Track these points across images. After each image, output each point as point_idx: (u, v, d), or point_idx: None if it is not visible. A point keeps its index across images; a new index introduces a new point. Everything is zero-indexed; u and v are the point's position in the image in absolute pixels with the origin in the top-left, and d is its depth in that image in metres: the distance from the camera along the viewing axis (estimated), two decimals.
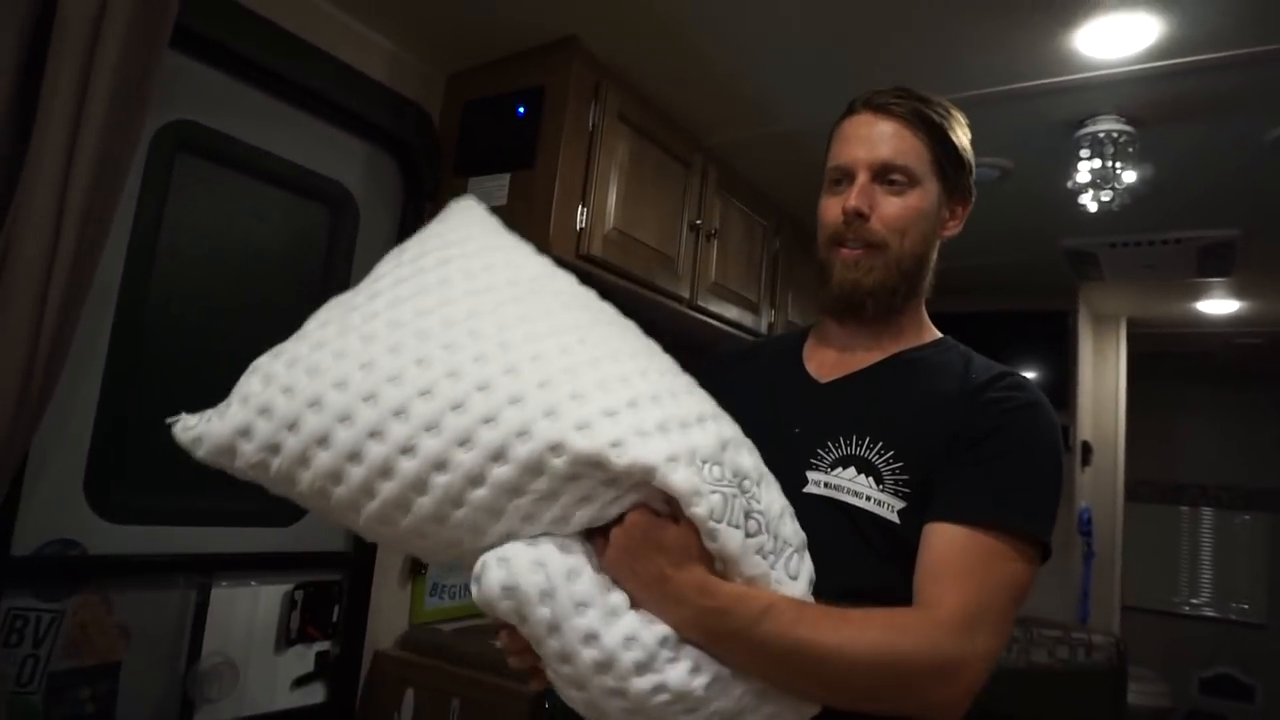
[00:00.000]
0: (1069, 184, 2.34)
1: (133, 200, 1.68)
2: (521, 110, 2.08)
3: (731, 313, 2.68)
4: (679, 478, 0.74)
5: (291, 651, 2.03)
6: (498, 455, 0.74)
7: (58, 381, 1.36)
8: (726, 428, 0.83)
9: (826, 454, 0.94)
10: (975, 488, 0.89)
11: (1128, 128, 2.21)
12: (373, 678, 2.18)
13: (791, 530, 0.84)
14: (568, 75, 2.03)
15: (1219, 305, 4.02)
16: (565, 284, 0.94)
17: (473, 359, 0.78)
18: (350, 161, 2.14)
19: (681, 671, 0.76)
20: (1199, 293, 3.86)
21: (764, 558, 0.79)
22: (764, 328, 2.86)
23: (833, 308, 1.03)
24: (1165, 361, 5.02)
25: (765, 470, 0.84)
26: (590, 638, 0.75)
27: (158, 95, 1.46)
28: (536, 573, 0.75)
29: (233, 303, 1.94)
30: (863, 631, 0.79)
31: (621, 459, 0.73)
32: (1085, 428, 4.02)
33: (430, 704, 2.06)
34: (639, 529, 0.77)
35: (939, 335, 1.08)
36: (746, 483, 0.79)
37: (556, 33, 2.04)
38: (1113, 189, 2.29)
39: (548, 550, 0.77)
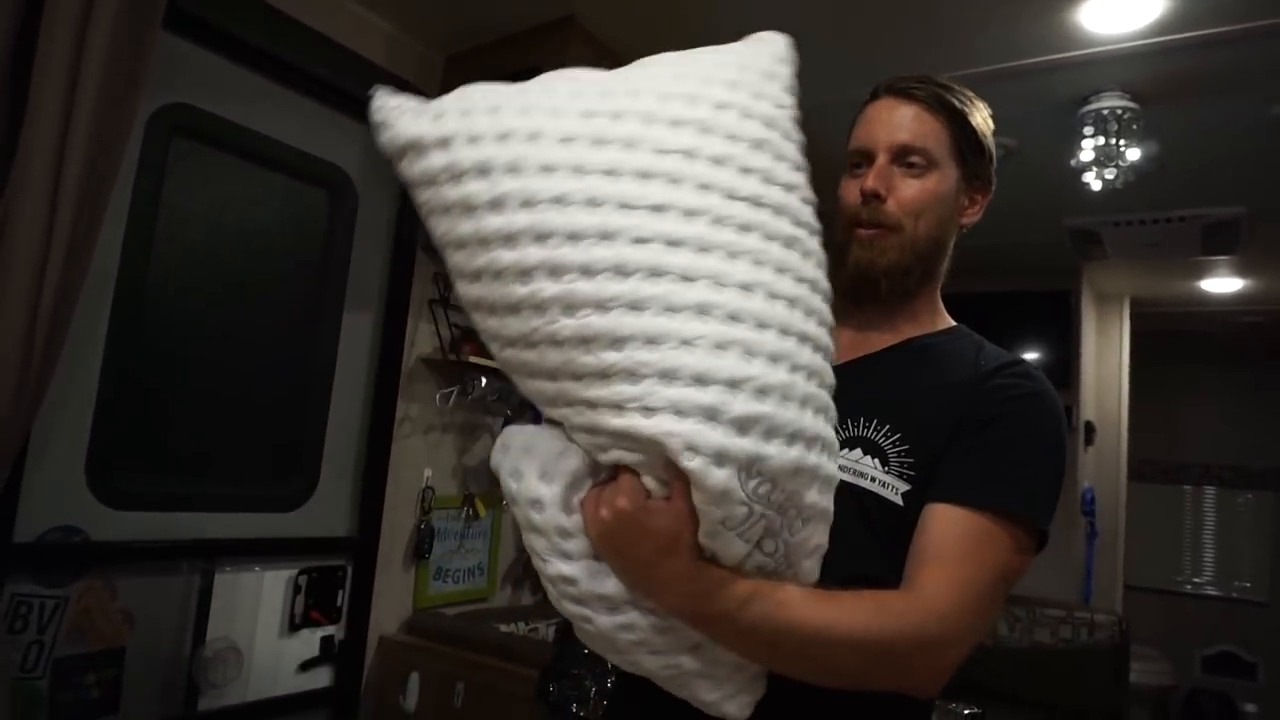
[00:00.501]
0: (1073, 162, 2.32)
1: (129, 184, 1.67)
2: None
3: None
4: (714, 480, 0.69)
5: (297, 636, 2.04)
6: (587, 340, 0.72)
7: (56, 366, 1.36)
8: (813, 456, 0.77)
9: (837, 435, 0.94)
10: (975, 470, 0.88)
11: (1132, 104, 2.19)
12: (378, 662, 2.19)
13: (809, 568, 0.82)
14: (566, 56, 2.01)
15: (1223, 284, 4.00)
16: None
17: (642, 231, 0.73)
18: (348, 145, 2.12)
19: (610, 622, 0.78)
20: (1203, 271, 3.85)
21: (761, 573, 0.78)
22: None
23: (848, 288, 1.02)
24: (1169, 341, 5.01)
25: (829, 508, 0.80)
26: (540, 559, 0.79)
27: (152, 78, 1.45)
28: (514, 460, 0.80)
29: (231, 286, 1.93)
30: (850, 614, 0.79)
31: (674, 445, 0.69)
32: (1088, 407, 4.01)
33: (435, 687, 2.07)
34: (628, 516, 0.74)
35: (953, 323, 1.07)
36: (791, 513, 0.76)
37: (554, 13, 2.02)
38: (1116, 167, 2.28)
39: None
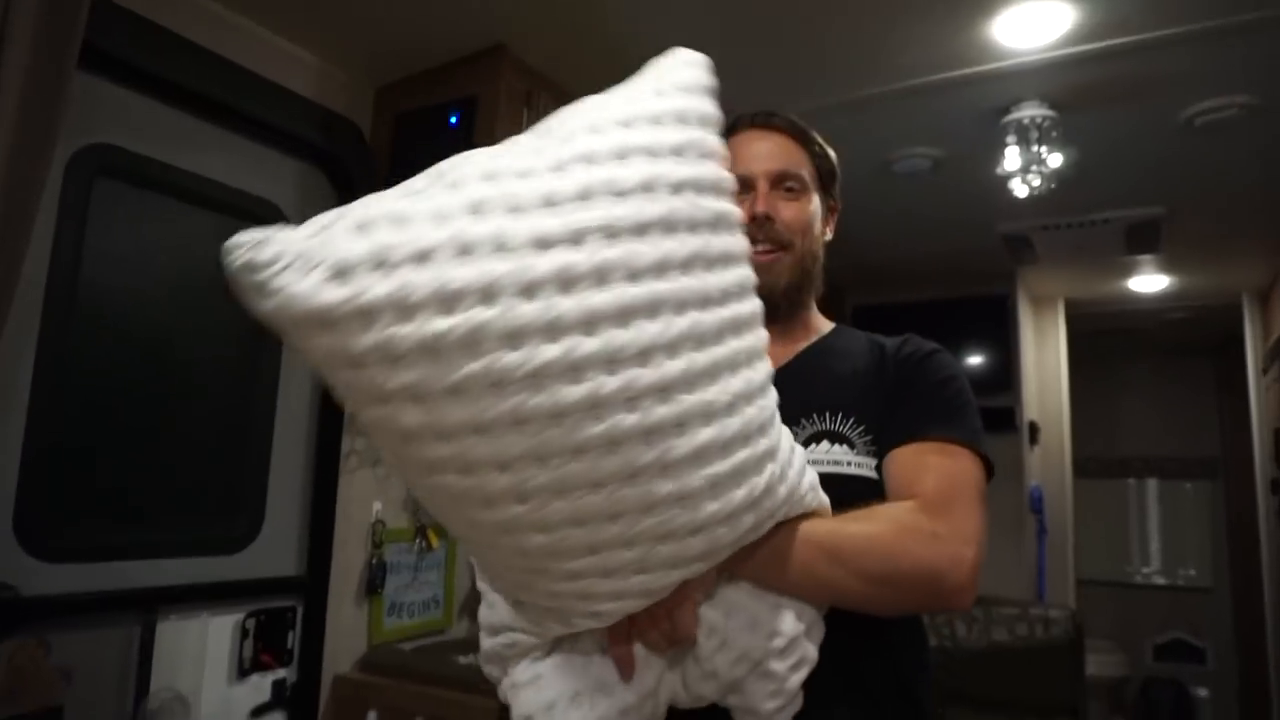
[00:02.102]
0: (999, 170, 2.40)
1: (50, 229, 1.63)
2: (454, 120, 2.07)
3: None
4: None
5: (247, 682, 1.99)
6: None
7: None
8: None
9: (795, 436, 0.98)
10: (913, 416, 1.00)
11: (1050, 113, 2.27)
12: (333, 702, 2.14)
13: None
14: (498, 84, 2.02)
15: (1149, 282, 4.15)
16: None
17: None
18: (281, 179, 2.10)
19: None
20: (1130, 270, 3.98)
21: None
22: None
23: None
24: (1103, 340, 5.17)
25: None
26: None
27: (70, 119, 1.42)
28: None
29: (164, 327, 1.89)
30: (886, 516, 0.89)
31: None
32: (1031, 408, 4.11)
33: None
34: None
35: (833, 324, 1.20)
36: None
37: (484, 42, 2.03)
38: (1040, 173, 2.36)
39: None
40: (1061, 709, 3.17)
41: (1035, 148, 2.31)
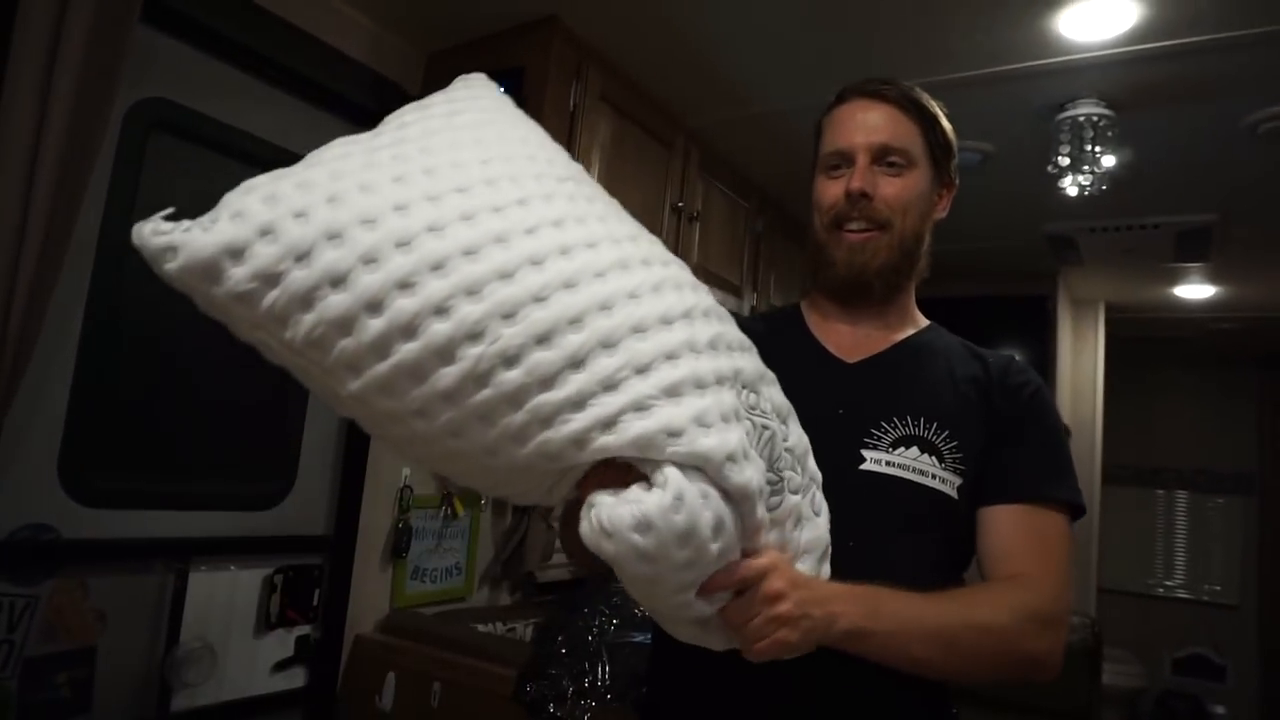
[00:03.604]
0: (1049, 168, 2.35)
1: (105, 179, 1.65)
2: (502, 89, 2.06)
3: (714, 296, 2.67)
4: (737, 478, 0.73)
5: (272, 636, 2.02)
6: (542, 339, 0.68)
7: (29, 363, 1.34)
8: (745, 362, 0.85)
9: (883, 434, 0.98)
10: (1025, 472, 0.99)
11: (1107, 111, 2.22)
12: (353, 661, 2.17)
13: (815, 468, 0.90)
14: (548, 55, 2.01)
15: (1196, 290, 4.06)
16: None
17: (524, 230, 0.71)
18: (330, 141, 2.11)
19: None
20: (1176, 277, 3.90)
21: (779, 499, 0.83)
22: (746, 310, 2.86)
23: (839, 290, 1.07)
24: (1143, 346, 5.07)
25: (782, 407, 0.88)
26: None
27: (130, 72, 1.43)
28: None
29: None
30: (973, 603, 0.90)
31: (678, 448, 0.70)
32: (1064, 411, 4.05)
33: (412, 687, 2.06)
34: (761, 611, 0.77)
35: (927, 320, 1.13)
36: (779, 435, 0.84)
37: (537, 12, 2.02)
38: (1092, 173, 2.31)
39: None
40: (1076, 716, 3.15)
41: (1089, 147, 2.26)
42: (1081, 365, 4.35)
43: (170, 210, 0.72)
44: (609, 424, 0.69)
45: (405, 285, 0.66)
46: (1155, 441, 5.48)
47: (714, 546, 0.71)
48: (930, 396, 1.01)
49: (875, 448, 0.97)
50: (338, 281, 0.66)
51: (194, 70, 1.81)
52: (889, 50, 2.06)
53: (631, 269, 0.75)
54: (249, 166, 1.94)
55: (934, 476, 0.96)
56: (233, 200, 0.70)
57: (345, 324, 0.66)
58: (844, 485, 0.91)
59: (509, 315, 0.67)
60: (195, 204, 1.96)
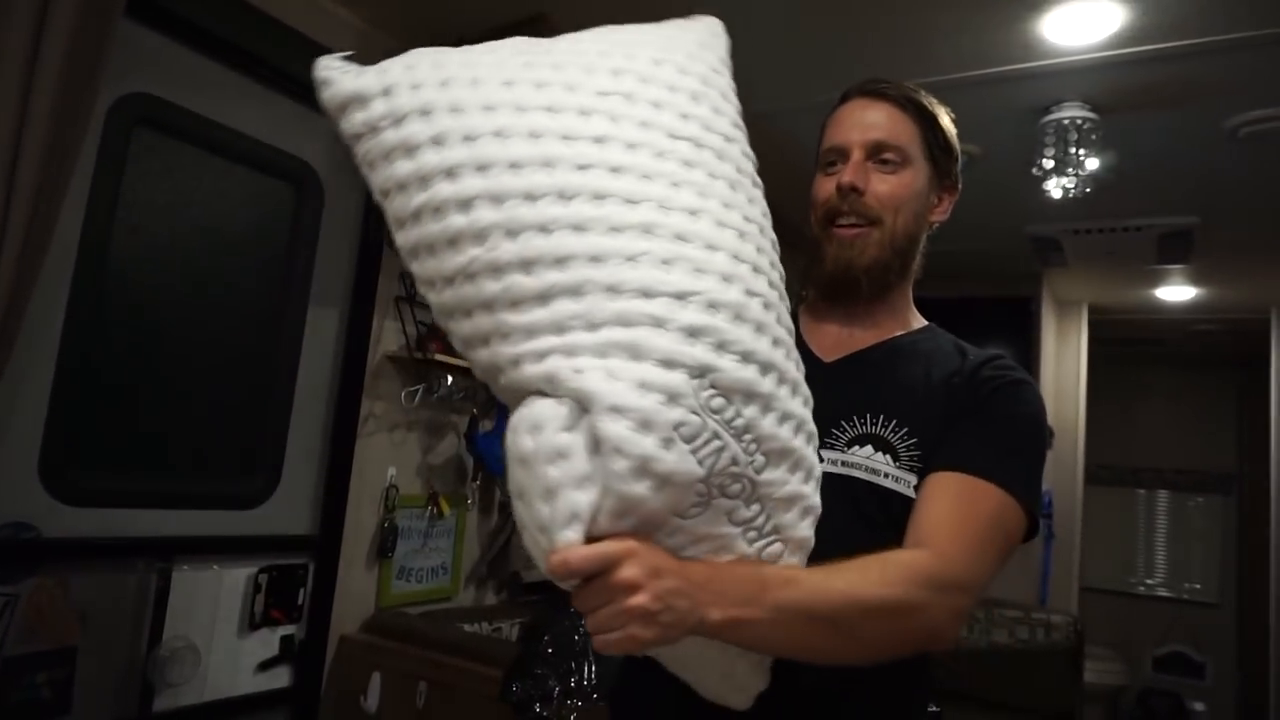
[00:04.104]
0: (1034, 170, 2.37)
1: (88, 175, 1.63)
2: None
3: None
4: (668, 380, 0.70)
5: (256, 635, 2.01)
6: (527, 265, 0.73)
7: (8, 362, 1.33)
8: (768, 383, 0.76)
9: (841, 433, 0.96)
10: (972, 444, 0.93)
11: (1091, 115, 2.24)
12: (339, 661, 2.16)
13: (792, 520, 0.81)
14: None
15: (1177, 292, 4.10)
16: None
17: (575, 165, 0.75)
18: (315, 139, 2.10)
19: None
20: (1158, 279, 3.94)
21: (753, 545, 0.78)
22: None
23: (828, 287, 1.05)
24: (1125, 347, 5.12)
25: (796, 447, 0.79)
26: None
27: (113, 67, 1.42)
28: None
29: (193, 280, 1.90)
30: (863, 575, 0.81)
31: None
32: (1048, 412, 4.07)
33: (397, 687, 2.05)
34: (602, 599, 0.70)
35: (925, 322, 1.11)
36: (749, 441, 0.74)
37: (526, 10, 2.02)
38: (1076, 176, 2.33)
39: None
40: (1058, 713, 3.18)
41: (1073, 149, 2.28)
42: (1065, 366, 4.39)
43: (350, 52, 0.83)
44: (540, 356, 0.73)
45: (451, 174, 0.74)
46: (1137, 442, 5.53)
47: (551, 472, 0.69)
48: (897, 395, 0.97)
49: (832, 447, 0.95)
50: (410, 150, 0.76)
51: (179, 66, 1.80)
52: (875, 53, 2.07)
53: (655, 236, 0.73)
54: (234, 163, 1.94)
55: (886, 475, 0.93)
56: (395, 60, 0.81)
57: (402, 188, 0.76)
58: None
59: (512, 233, 0.73)
60: (178, 201, 1.94)
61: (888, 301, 1.05)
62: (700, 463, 0.70)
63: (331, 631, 2.15)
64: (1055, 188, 2.38)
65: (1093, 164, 2.30)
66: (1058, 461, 4.29)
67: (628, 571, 0.69)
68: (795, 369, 0.81)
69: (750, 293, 0.76)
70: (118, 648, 1.75)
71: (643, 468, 0.68)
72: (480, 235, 0.73)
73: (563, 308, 0.72)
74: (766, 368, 0.75)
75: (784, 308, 0.82)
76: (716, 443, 0.71)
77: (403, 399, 2.31)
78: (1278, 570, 4.01)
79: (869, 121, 1.03)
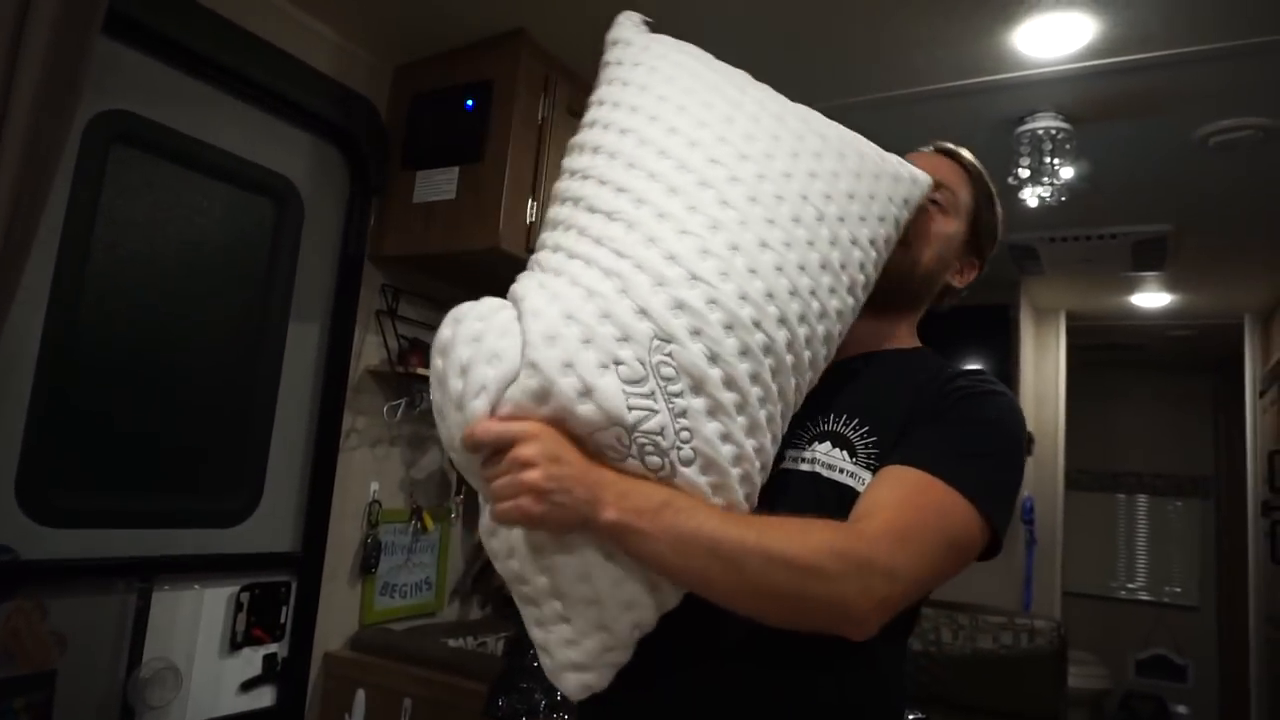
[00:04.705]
0: (1010, 180, 2.40)
1: (65, 193, 1.62)
2: (470, 103, 2.07)
3: None
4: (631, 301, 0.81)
5: (238, 655, 1.99)
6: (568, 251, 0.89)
7: None
8: (728, 395, 0.81)
9: (805, 432, 0.97)
10: (930, 443, 0.90)
11: (1065, 125, 2.27)
12: (323, 679, 2.14)
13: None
14: (516, 68, 2.02)
15: (1152, 299, 4.16)
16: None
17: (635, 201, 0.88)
18: (295, 154, 2.10)
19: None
20: (1133, 286, 3.99)
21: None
22: None
23: None
24: (1102, 353, 5.18)
25: (720, 457, 0.81)
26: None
27: (90, 84, 1.41)
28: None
29: (172, 296, 1.89)
30: (782, 528, 0.80)
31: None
32: (1027, 418, 4.09)
33: (382, 704, 2.04)
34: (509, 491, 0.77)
35: (920, 346, 1.12)
36: (684, 429, 0.79)
37: (504, 25, 2.03)
38: (1051, 185, 2.35)
39: None
40: (1042, 718, 3.19)
41: (1048, 159, 2.31)
42: (1044, 372, 4.43)
43: (650, 20, 1.06)
44: (570, 255, 0.86)
45: (606, 126, 0.94)
46: (1116, 447, 5.58)
47: (458, 385, 0.80)
48: (861, 396, 0.98)
49: (795, 445, 0.96)
50: (597, 104, 0.99)
51: (156, 82, 1.79)
52: (851, 66, 2.09)
53: (717, 231, 0.83)
54: (212, 180, 1.94)
55: (842, 471, 0.93)
56: (657, 39, 1.04)
57: (581, 120, 0.99)
58: (768, 485, 0.89)
59: (627, 164, 0.88)
60: (156, 218, 1.93)
61: (889, 320, 1.07)
62: (629, 408, 0.76)
63: (315, 649, 2.13)
64: (1031, 197, 2.41)
65: (1067, 173, 2.33)
66: (1038, 467, 4.33)
67: (526, 450, 0.75)
68: (766, 418, 0.84)
69: (759, 324, 0.82)
70: (97, 670, 1.73)
71: (570, 366, 0.76)
72: (611, 154, 0.89)
73: (613, 230, 0.84)
74: (730, 383, 0.80)
75: (792, 379, 0.87)
76: (650, 402, 0.77)
77: (385, 413, 2.30)
78: (1256, 572, 4.06)
79: (934, 166, 1.09)
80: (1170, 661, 5.18)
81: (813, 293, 0.86)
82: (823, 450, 0.95)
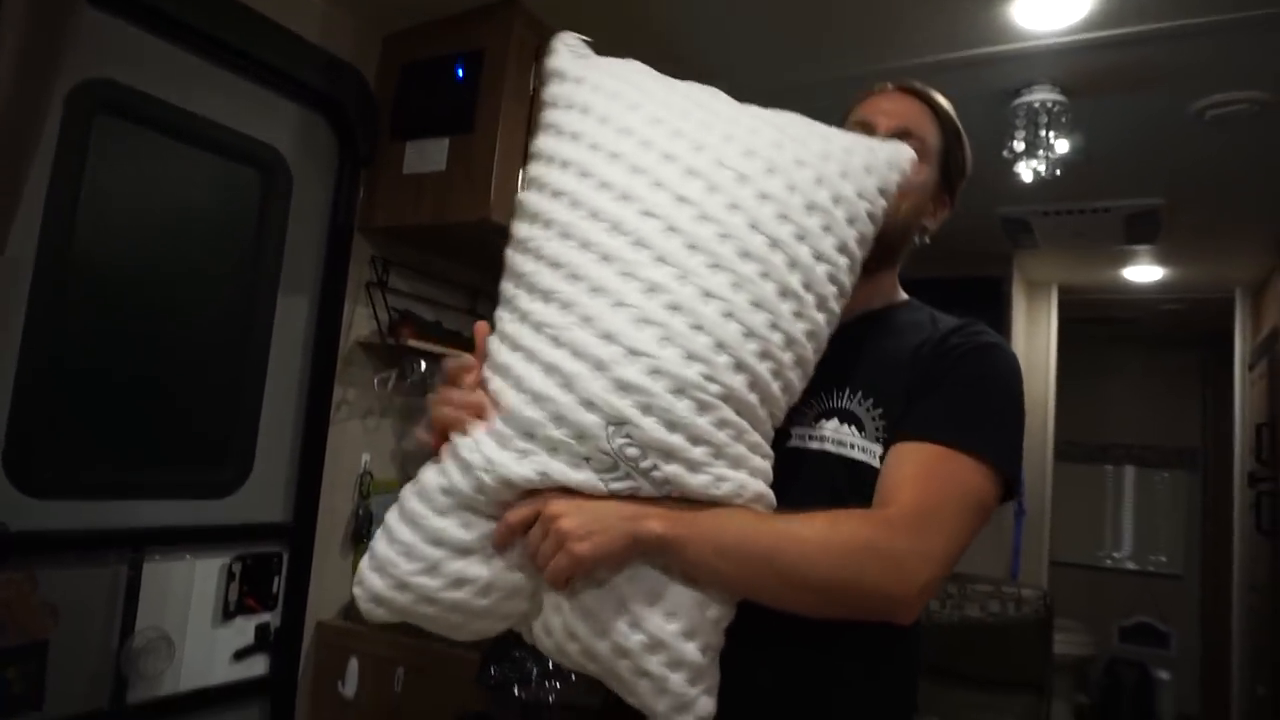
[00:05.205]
0: (1005, 152, 2.38)
1: (48, 163, 1.60)
2: (461, 73, 2.04)
3: None
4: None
5: (231, 624, 2.01)
6: (544, 293, 0.86)
7: None
8: (698, 451, 0.81)
9: (809, 409, 0.96)
10: (937, 411, 0.92)
11: (1061, 98, 2.25)
12: (315, 648, 2.16)
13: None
14: (508, 38, 1.99)
15: (1144, 272, 4.16)
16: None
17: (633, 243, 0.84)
18: (282, 124, 2.07)
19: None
20: (1125, 260, 3.99)
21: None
22: None
23: None
24: (1093, 326, 5.19)
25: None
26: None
27: (72, 52, 1.39)
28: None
29: (160, 267, 1.87)
30: (810, 523, 0.82)
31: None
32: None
33: (374, 673, 2.06)
34: (545, 545, 0.79)
35: (908, 297, 1.13)
36: (671, 493, 0.81)
37: None
38: (1046, 158, 2.34)
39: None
40: (1028, 684, 3.24)
41: (1043, 132, 2.30)
42: (1035, 346, 4.44)
43: (589, 39, 0.97)
44: (514, 348, 0.85)
45: (563, 164, 0.88)
46: (1104, 419, 5.61)
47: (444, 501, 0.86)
48: (864, 368, 0.98)
49: (800, 423, 0.96)
50: (553, 130, 0.92)
51: (141, 51, 1.76)
52: (847, 37, 2.07)
53: (653, 295, 0.80)
54: (199, 150, 1.91)
55: (853, 446, 0.93)
56: (602, 61, 0.96)
57: (534, 154, 0.93)
58: (779, 465, 0.89)
59: (565, 236, 0.84)
60: (142, 189, 1.91)
61: (869, 281, 1.04)
62: (611, 492, 0.79)
63: (308, 618, 2.15)
64: (1026, 170, 2.40)
65: (1062, 146, 2.32)
66: (1028, 439, 4.26)
67: (552, 507, 0.78)
68: (749, 446, 0.83)
69: (712, 378, 0.79)
70: (90, 640, 1.74)
71: (546, 475, 0.79)
72: (546, 224, 0.85)
73: (550, 314, 0.81)
74: (697, 440, 0.79)
75: (762, 410, 0.84)
76: (629, 482, 0.79)
77: (375, 385, 2.29)
78: (1239, 542, 4.11)
79: (901, 110, 1.06)
80: (1154, 629, 5.26)
81: (773, 325, 0.81)
82: (831, 428, 0.95)
